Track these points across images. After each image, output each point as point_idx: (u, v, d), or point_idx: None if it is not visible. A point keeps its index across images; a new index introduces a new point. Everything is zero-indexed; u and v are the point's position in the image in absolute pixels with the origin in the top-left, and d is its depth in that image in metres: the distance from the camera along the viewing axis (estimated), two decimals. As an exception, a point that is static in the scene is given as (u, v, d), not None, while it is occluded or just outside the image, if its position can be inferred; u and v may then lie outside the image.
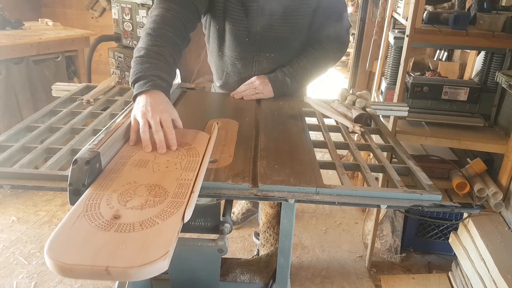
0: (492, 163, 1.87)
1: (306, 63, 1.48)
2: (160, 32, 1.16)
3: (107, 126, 1.00)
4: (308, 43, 1.51)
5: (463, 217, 1.77)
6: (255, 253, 2.17)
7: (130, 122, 1.02)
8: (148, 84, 1.04)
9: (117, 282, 0.77)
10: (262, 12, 1.39)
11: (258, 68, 1.50)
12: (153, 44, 1.13)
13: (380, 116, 1.43)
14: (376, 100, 2.36)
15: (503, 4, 1.94)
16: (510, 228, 1.68)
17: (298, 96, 1.53)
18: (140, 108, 1.00)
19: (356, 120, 1.29)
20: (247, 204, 2.39)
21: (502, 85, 1.60)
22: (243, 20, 1.41)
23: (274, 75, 1.47)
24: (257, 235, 2.25)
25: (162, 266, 0.60)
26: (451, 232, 1.86)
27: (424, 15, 1.79)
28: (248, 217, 2.43)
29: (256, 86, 1.45)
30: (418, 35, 1.69)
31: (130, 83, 1.10)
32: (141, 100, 1.02)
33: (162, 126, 0.97)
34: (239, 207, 2.41)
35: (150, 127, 0.96)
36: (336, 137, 1.18)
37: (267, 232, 1.36)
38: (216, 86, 1.68)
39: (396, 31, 2.15)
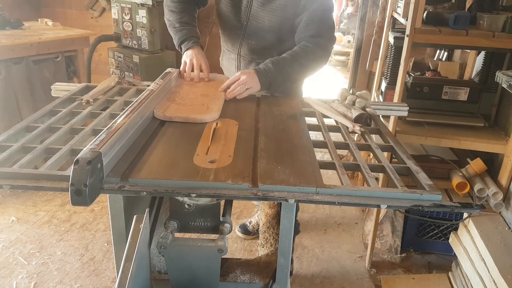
0: (492, 163, 1.87)
1: (287, 57, 1.51)
2: (181, 7, 1.64)
3: (108, 126, 1.00)
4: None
5: (463, 217, 1.77)
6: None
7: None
8: (191, 42, 1.60)
9: (117, 282, 0.77)
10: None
11: (242, 50, 1.70)
12: (181, 17, 1.63)
13: (380, 116, 1.43)
14: (376, 100, 2.36)
15: (503, 4, 1.94)
16: (510, 228, 1.68)
17: (296, 96, 1.53)
18: (188, 57, 1.58)
19: (356, 120, 1.29)
20: None
21: (502, 85, 1.60)
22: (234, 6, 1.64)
23: (257, 67, 1.51)
24: (241, 227, 2.31)
25: None
26: (451, 232, 1.86)
27: (424, 15, 1.79)
28: None
29: (244, 82, 1.44)
30: (418, 35, 1.69)
31: (177, 45, 1.63)
32: (188, 52, 1.59)
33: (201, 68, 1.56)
34: (257, 217, 2.30)
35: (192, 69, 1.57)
36: (336, 137, 1.18)
37: (267, 232, 1.35)
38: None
39: (396, 31, 2.14)
